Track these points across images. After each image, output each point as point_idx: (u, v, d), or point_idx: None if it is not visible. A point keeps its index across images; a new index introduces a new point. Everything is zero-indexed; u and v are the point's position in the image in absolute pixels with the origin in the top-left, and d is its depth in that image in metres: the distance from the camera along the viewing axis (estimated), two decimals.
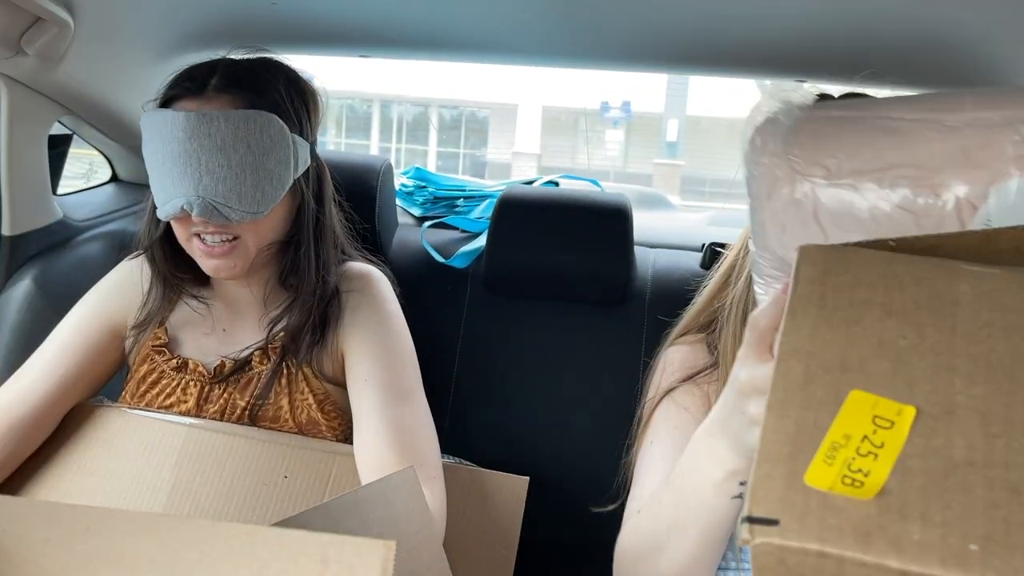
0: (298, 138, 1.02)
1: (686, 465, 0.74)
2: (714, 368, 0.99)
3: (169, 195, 0.97)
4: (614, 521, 1.05)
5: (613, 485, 1.13)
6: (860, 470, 0.29)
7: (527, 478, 1.03)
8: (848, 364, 0.33)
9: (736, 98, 13.05)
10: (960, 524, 0.26)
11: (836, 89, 1.00)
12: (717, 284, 1.03)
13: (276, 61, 1.06)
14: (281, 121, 0.99)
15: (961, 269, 0.36)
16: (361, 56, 1.48)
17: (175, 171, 0.96)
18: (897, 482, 0.28)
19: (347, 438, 1.06)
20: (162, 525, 0.39)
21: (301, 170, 1.03)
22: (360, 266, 1.13)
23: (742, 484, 0.69)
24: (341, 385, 1.06)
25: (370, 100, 16.40)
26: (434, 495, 0.95)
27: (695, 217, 1.85)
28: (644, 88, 13.71)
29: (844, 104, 0.53)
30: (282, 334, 1.06)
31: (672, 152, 14.59)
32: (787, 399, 0.33)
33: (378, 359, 1.02)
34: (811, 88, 0.56)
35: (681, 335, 1.06)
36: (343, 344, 1.06)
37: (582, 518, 1.26)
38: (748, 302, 0.96)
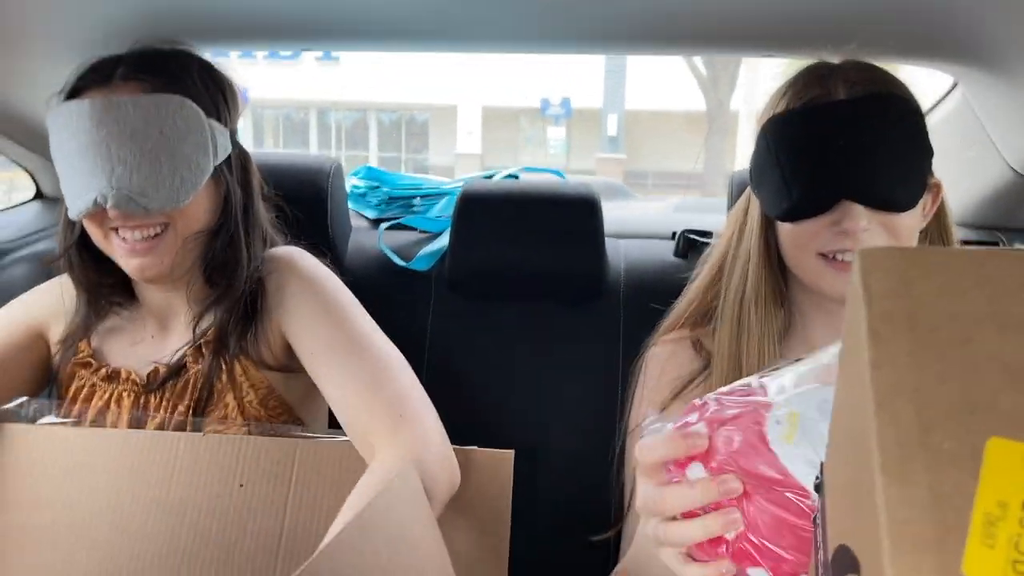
0: (215, 123, 0.97)
1: (638, 544, 0.74)
2: (704, 371, 0.94)
3: (80, 191, 0.91)
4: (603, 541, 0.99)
5: (597, 495, 1.07)
6: None
7: (511, 451, 0.93)
8: (974, 402, 0.26)
9: (673, 91, 13.19)
10: None
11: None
12: (708, 276, 0.98)
13: (188, 50, 1.01)
14: (195, 105, 0.94)
15: None
16: (296, 49, 1.39)
17: (84, 165, 0.90)
18: None
19: None
20: None
21: (221, 157, 0.98)
22: (280, 248, 1.06)
23: None
24: (283, 370, 1.01)
25: (306, 108, 16.19)
26: (427, 427, 0.88)
27: (659, 205, 1.80)
28: (582, 84, 13.75)
29: None
30: (212, 330, 0.99)
31: (614, 147, 14.68)
32: (907, 457, 0.25)
33: (322, 322, 0.95)
34: None
35: (665, 333, 1.00)
36: (282, 327, 0.99)
37: (565, 535, 1.20)
38: (746, 295, 0.92)
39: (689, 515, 0.56)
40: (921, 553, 0.24)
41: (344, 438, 0.90)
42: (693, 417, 0.58)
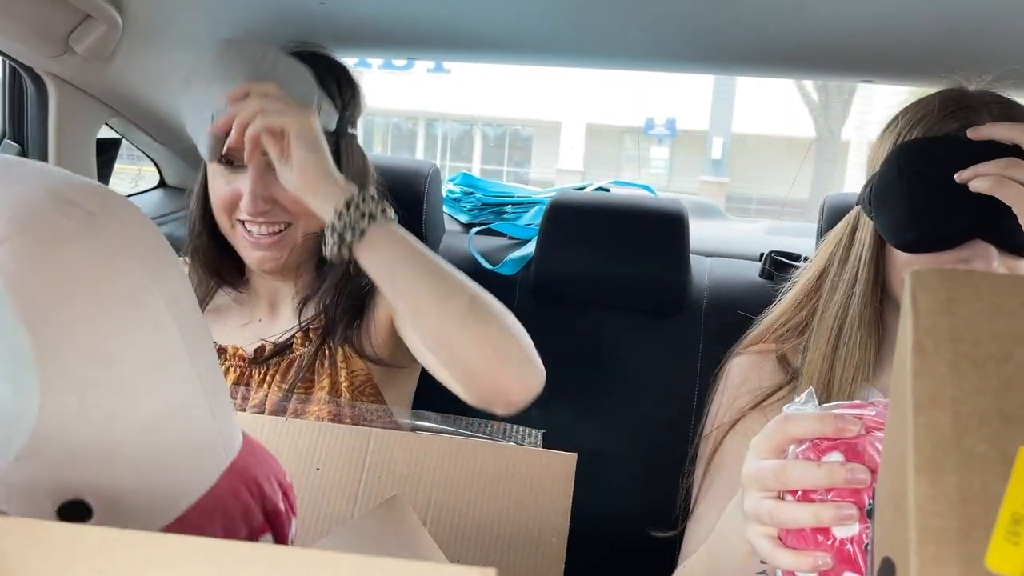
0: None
1: (721, 531, 0.70)
2: (787, 387, 0.93)
3: None
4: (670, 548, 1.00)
5: (667, 502, 1.07)
6: None
7: (574, 454, 0.95)
8: (1008, 412, 0.27)
9: (782, 115, 12.90)
10: None
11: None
12: (803, 292, 0.96)
13: (314, 50, 1.07)
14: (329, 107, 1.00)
15: None
16: (409, 58, 1.46)
17: None
18: None
19: (383, 425, 1.02)
20: (222, 552, 0.33)
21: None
22: None
23: (763, 562, 0.65)
24: (382, 364, 1.05)
25: (415, 118, 16.59)
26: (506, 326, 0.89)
27: (750, 227, 1.79)
28: (689, 105, 13.62)
29: None
30: (322, 316, 1.05)
31: (717, 170, 14.45)
32: (939, 458, 0.27)
33: None
34: None
35: (751, 344, 1.00)
36: (395, 321, 1.03)
37: (626, 541, 1.20)
38: (848, 318, 0.90)
39: (804, 498, 0.54)
40: (945, 544, 0.25)
41: (414, 433, 0.94)
42: (849, 411, 0.55)
